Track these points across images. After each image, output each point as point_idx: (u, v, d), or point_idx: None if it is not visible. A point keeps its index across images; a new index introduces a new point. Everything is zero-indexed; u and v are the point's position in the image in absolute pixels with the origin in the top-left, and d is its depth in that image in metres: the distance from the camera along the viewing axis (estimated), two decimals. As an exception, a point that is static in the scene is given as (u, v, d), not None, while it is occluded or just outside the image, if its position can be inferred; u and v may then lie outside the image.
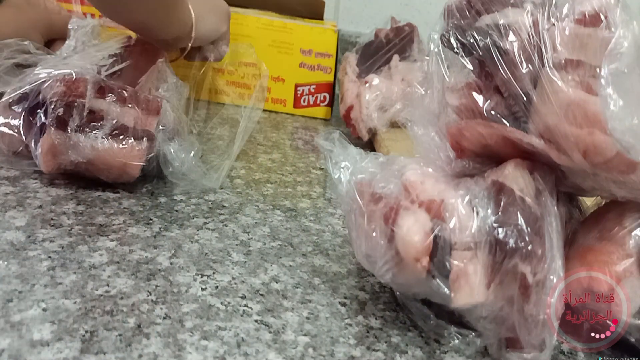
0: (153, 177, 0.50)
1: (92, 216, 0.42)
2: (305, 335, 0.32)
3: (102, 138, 0.44)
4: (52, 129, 0.43)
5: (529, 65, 0.31)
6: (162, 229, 0.42)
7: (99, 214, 0.43)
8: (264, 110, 0.81)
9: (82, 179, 0.47)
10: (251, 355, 0.30)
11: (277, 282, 0.37)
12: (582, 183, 0.33)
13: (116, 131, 0.45)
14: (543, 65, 0.30)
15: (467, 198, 0.31)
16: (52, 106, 0.44)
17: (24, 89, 0.45)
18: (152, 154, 0.47)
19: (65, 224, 0.40)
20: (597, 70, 0.29)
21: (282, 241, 0.43)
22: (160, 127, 0.47)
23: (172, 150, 0.47)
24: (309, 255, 0.42)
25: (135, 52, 0.54)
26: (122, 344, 0.29)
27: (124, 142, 0.45)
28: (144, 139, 0.46)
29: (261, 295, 0.36)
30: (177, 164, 0.48)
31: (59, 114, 0.44)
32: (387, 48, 0.74)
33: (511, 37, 0.31)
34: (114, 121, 0.45)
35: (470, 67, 0.33)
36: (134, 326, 0.31)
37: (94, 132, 0.44)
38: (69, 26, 0.55)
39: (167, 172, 0.48)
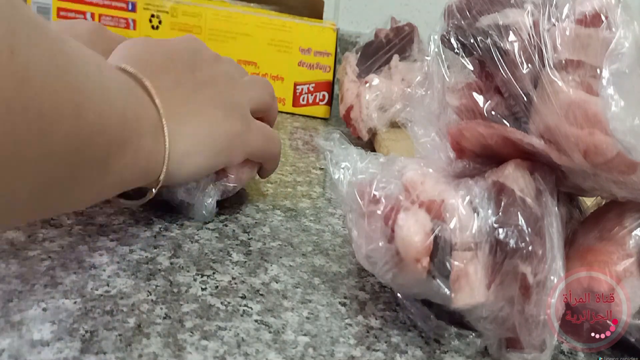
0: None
1: (92, 216, 0.42)
2: (305, 335, 0.32)
3: None
4: None
5: (530, 66, 0.31)
6: (162, 229, 0.42)
7: (99, 213, 0.43)
8: (264, 110, 0.81)
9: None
10: (251, 355, 0.30)
11: (277, 282, 0.37)
12: (583, 183, 0.33)
13: None
14: (544, 66, 0.30)
15: (467, 198, 0.31)
16: None
17: None
18: None
19: (65, 224, 0.40)
20: (598, 70, 0.29)
21: (282, 241, 0.43)
22: None
23: None
24: (309, 255, 0.42)
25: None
26: (122, 344, 0.29)
27: None
28: None
29: (261, 295, 0.36)
30: None
31: None
32: (387, 48, 0.74)
33: (511, 37, 0.31)
34: None
35: (470, 67, 0.33)
36: (134, 326, 0.31)
37: None
38: None
39: None
